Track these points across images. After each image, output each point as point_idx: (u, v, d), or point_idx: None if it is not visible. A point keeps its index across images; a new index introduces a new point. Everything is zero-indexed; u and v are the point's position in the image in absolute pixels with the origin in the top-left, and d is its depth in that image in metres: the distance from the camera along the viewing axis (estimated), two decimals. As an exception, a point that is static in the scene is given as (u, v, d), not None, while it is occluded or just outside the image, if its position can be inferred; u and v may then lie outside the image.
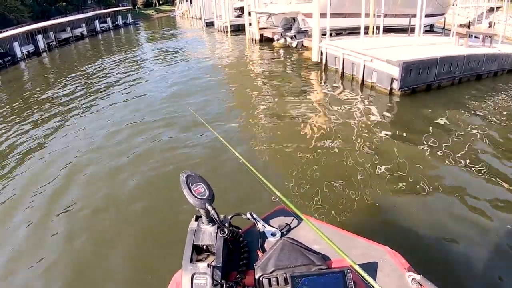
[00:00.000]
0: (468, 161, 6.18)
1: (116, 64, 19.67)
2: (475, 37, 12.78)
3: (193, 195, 1.65)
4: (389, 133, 7.58)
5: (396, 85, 9.26)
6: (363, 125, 8.00)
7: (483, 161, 6.19)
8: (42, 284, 4.30)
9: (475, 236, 4.47)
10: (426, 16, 13.49)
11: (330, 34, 13.35)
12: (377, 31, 13.61)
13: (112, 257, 4.63)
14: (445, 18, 18.75)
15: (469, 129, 7.49)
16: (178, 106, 10.31)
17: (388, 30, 14.32)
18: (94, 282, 4.25)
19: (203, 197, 1.66)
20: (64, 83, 16.11)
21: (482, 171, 5.87)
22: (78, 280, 4.31)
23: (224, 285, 1.56)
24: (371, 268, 1.66)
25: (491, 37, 12.03)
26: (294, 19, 17.78)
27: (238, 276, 1.69)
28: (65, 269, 4.48)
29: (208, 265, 1.59)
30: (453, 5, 18.45)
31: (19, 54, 23.95)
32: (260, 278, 1.64)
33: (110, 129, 9.12)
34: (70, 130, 9.53)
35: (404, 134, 7.44)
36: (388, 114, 8.68)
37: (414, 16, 14.35)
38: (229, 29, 26.63)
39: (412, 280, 1.59)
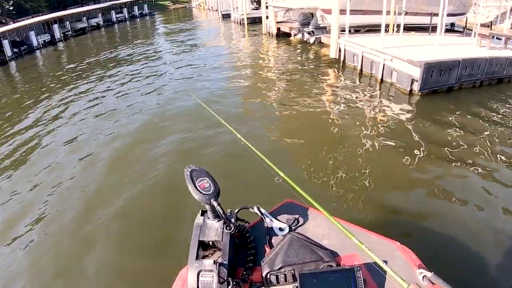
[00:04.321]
0: (486, 165, 6.18)
1: (132, 52, 19.88)
2: (496, 38, 12.51)
3: (198, 190, 1.61)
4: (406, 133, 7.55)
5: (416, 86, 9.16)
6: (380, 124, 8.02)
7: (500, 165, 6.18)
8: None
9: (490, 238, 4.49)
10: (448, 15, 13.24)
11: (349, 31, 13.25)
12: (397, 29, 13.46)
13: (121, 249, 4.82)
14: (467, 17, 18.37)
15: (490, 134, 7.38)
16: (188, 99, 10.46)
17: (408, 28, 14.10)
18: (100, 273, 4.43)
19: (208, 192, 1.62)
20: (79, 71, 16.40)
21: (499, 175, 5.87)
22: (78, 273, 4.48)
23: (231, 283, 1.52)
24: (381, 264, 1.62)
25: (514, 39, 11.76)
26: (312, 15, 17.64)
27: (245, 272, 1.66)
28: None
29: (214, 262, 1.55)
30: (475, 4, 18.06)
31: (35, 43, 24.31)
32: (268, 275, 1.61)
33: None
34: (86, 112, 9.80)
35: (422, 137, 7.37)
36: (407, 115, 8.61)
37: (435, 15, 14.19)
38: (245, 22, 26.57)
39: (423, 278, 1.55)
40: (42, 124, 9.83)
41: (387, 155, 6.66)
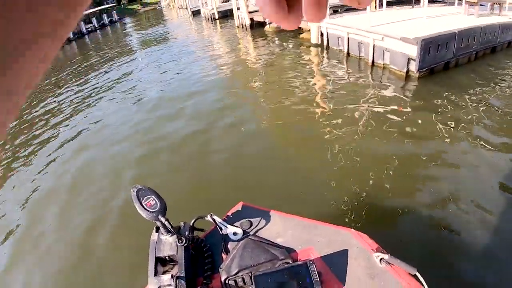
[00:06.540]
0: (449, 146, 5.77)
1: (107, 70, 18.58)
2: (480, 4, 11.74)
3: (145, 208, 1.61)
4: (395, 122, 6.70)
5: (414, 66, 8.18)
6: (371, 112, 7.21)
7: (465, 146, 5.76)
8: None
9: (447, 218, 4.29)
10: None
11: (329, 13, 12.32)
12: (380, 5, 12.58)
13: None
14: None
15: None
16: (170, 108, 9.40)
17: (388, 3, 13.25)
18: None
19: (155, 210, 1.62)
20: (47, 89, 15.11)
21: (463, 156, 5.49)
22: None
23: None
24: (337, 253, 1.66)
25: (500, 4, 11.02)
26: (286, 0, 16.59)
27: (204, 281, 1.68)
28: None
29: (172, 276, 1.59)
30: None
31: None
32: (226, 281, 1.63)
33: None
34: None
35: (414, 129, 6.53)
36: (403, 101, 7.75)
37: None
38: (216, 16, 25.30)
39: (380, 260, 1.57)
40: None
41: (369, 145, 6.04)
